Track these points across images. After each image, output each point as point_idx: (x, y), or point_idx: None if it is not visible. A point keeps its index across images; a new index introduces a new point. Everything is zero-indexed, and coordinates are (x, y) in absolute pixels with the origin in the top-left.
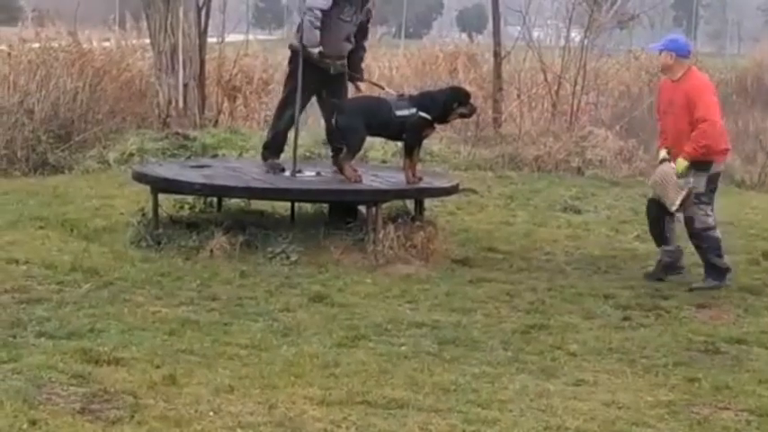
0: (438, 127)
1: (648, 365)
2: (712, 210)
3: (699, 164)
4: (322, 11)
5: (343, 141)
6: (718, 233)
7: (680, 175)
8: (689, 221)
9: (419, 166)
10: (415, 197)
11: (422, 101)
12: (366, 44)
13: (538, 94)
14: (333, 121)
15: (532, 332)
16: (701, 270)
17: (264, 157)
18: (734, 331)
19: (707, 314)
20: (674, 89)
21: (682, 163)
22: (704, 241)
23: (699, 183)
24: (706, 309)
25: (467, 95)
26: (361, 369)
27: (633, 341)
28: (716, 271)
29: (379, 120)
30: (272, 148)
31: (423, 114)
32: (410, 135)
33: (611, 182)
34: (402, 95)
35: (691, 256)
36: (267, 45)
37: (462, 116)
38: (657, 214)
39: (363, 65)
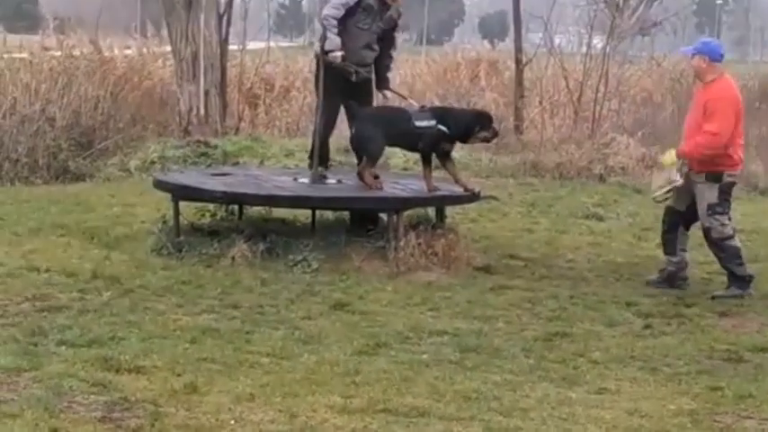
0: None
1: (671, 374)
2: (730, 219)
3: (710, 174)
4: (336, 18)
5: (361, 149)
6: (737, 242)
7: (665, 165)
8: (706, 232)
9: (435, 174)
10: (436, 204)
11: (443, 115)
12: (393, 53)
13: (559, 101)
14: (351, 128)
15: (554, 340)
16: (725, 278)
17: (309, 166)
18: (757, 339)
19: (730, 322)
20: (701, 93)
21: (671, 155)
22: (723, 250)
23: (711, 194)
24: (729, 317)
25: (489, 120)
26: (382, 377)
27: (656, 349)
28: (738, 280)
29: (398, 129)
30: (315, 156)
31: (441, 128)
32: (426, 145)
33: (633, 189)
34: (423, 107)
35: (713, 263)
36: (288, 52)
37: (485, 140)
38: (673, 222)
39: (390, 74)
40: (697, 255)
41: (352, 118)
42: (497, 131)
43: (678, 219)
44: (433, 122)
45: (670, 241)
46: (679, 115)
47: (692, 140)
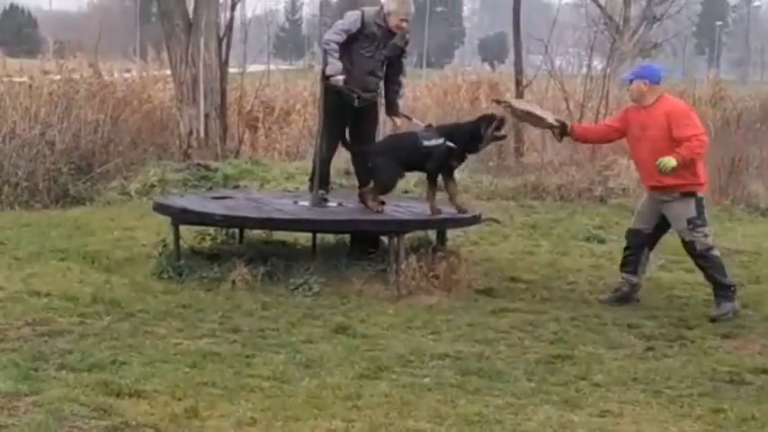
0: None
1: (673, 396)
2: (710, 230)
3: (684, 192)
4: (337, 43)
5: (376, 180)
6: (717, 252)
7: (664, 171)
8: (690, 246)
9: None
10: (437, 227)
11: (450, 131)
12: (402, 78)
13: None
14: (368, 164)
15: (556, 363)
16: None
17: (310, 188)
18: (759, 361)
19: (732, 344)
20: (646, 115)
21: (671, 160)
22: (708, 261)
23: (688, 208)
24: (731, 339)
25: (492, 116)
26: (383, 401)
27: (658, 371)
28: (724, 291)
29: (408, 153)
30: (316, 179)
31: (450, 144)
32: (433, 164)
33: (634, 211)
34: (429, 126)
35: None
36: (288, 75)
37: (496, 138)
38: (639, 244)
39: (401, 100)
40: (698, 276)
41: (363, 156)
42: (504, 119)
43: (644, 239)
44: (440, 140)
45: (633, 261)
46: None
47: (684, 146)
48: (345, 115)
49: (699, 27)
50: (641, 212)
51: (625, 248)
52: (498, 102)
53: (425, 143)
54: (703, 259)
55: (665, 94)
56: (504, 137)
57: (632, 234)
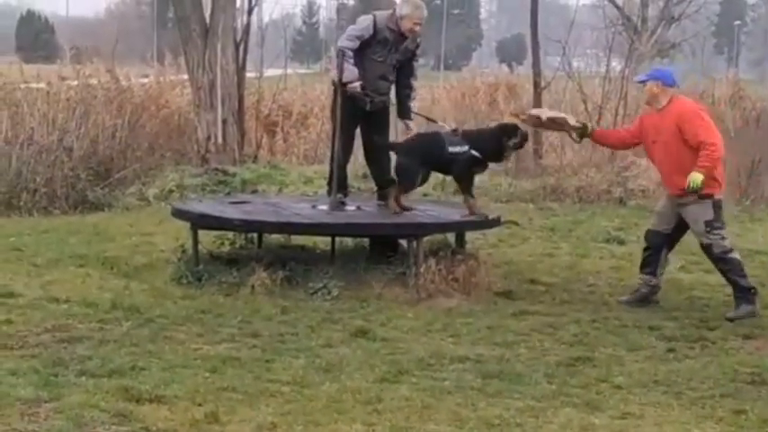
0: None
1: (695, 398)
2: (727, 233)
3: (702, 195)
4: (352, 50)
5: (399, 180)
6: (737, 255)
7: (693, 190)
8: (708, 249)
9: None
10: (455, 230)
11: (475, 139)
12: (414, 81)
13: None
14: (393, 162)
15: (577, 365)
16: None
17: (328, 192)
18: None
19: (753, 345)
20: (660, 118)
21: (698, 177)
22: (727, 263)
23: (706, 211)
24: (752, 339)
25: (515, 127)
26: (404, 404)
27: (679, 373)
28: (744, 293)
29: (434, 156)
30: (334, 183)
31: (474, 153)
32: (458, 170)
33: (653, 211)
34: (456, 131)
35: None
36: (305, 79)
37: (516, 147)
38: (658, 244)
39: (413, 103)
40: (719, 277)
41: (390, 151)
42: (526, 134)
43: (664, 240)
44: (465, 148)
45: (652, 262)
46: None
47: (703, 156)
48: (357, 119)
49: (717, 27)
50: (660, 213)
51: (644, 249)
52: (517, 116)
53: (450, 149)
54: (722, 262)
55: (679, 96)
56: (521, 147)
57: (651, 235)
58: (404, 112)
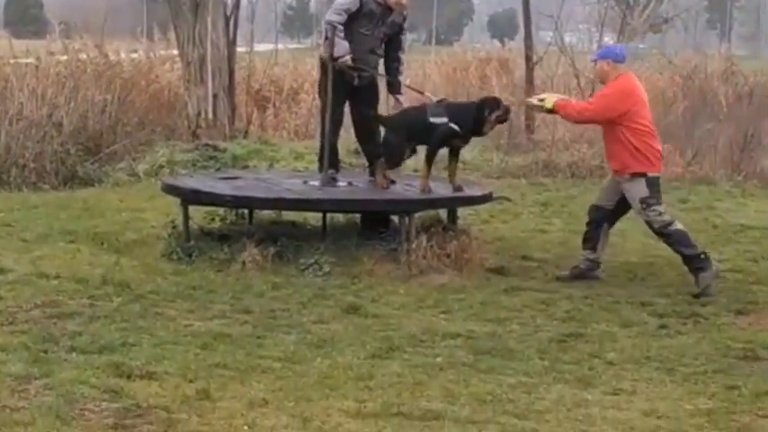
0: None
1: (687, 373)
2: (664, 207)
3: (633, 173)
4: (341, 24)
5: (385, 155)
6: (680, 225)
7: (539, 108)
8: (650, 226)
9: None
10: (447, 206)
11: (455, 111)
12: (401, 55)
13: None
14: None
15: (569, 341)
16: (739, 275)
17: (319, 168)
18: None
19: (745, 320)
20: None
21: (549, 101)
22: (670, 237)
23: (639, 189)
24: (744, 315)
25: (495, 99)
26: (395, 381)
27: (671, 349)
28: (695, 262)
29: (418, 128)
30: (325, 159)
31: (453, 126)
32: (433, 141)
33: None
34: (441, 101)
35: (728, 261)
36: (296, 54)
37: (500, 121)
38: (599, 220)
39: (401, 76)
40: (712, 253)
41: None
42: (509, 107)
43: (605, 216)
44: (444, 120)
45: (592, 238)
46: (691, 113)
47: (573, 104)
48: (346, 94)
49: (710, 1)
50: (605, 189)
51: (587, 224)
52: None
53: (431, 119)
54: (664, 236)
55: (627, 73)
56: (505, 120)
57: (594, 210)
58: (393, 87)
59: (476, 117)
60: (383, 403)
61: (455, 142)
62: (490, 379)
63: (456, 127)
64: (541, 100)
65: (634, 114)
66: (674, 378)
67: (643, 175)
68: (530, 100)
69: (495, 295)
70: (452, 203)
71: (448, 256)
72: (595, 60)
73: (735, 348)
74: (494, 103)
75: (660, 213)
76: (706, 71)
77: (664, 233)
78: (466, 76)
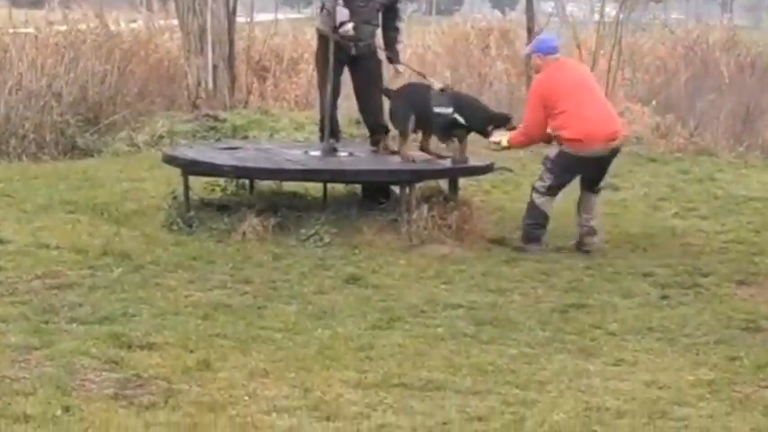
0: None
1: (689, 344)
2: (556, 183)
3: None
4: None
5: (395, 127)
6: (545, 206)
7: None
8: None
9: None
10: (448, 176)
11: (463, 105)
12: (400, 24)
13: None
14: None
15: (570, 312)
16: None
17: (320, 138)
18: None
19: (747, 291)
20: None
21: (504, 139)
22: (532, 201)
23: (553, 150)
24: (746, 286)
25: (506, 121)
26: (396, 351)
27: (673, 320)
28: (528, 231)
29: (419, 110)
30: (326, 129)
31: (458, 118)
32: (439, 132)
33: (648, 158)
34: (444, 89)
35: (729, 232)
36: (296, 24)
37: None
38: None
39: (399, 46)
40: (714, 224)
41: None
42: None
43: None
44: (450, 110)
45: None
46: (693, 83)
47: (515, 132)
48: (343, 65)
49: None
50: None
51: None
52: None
53: (435, 109)
54: (532, 192)
55: (554, 63)
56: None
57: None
58: (392, 57)
59: (482, 124)
60: (384, 374)
61: (457, 132)
62: (491, 349)
63: (461, 119)
64: (497, 143)
65: (552, 108)
66: (676, 349)
67: (561, 144)
68: (491, 140)
69: (496, 266)
70: (453, 174)
71: (449, 226)
72: (530, 55)
73: (736, 319)
74: (503, 122)
75: (548, 183)
76: (708, 42)
77: (533, 190)
78: (467, 47)
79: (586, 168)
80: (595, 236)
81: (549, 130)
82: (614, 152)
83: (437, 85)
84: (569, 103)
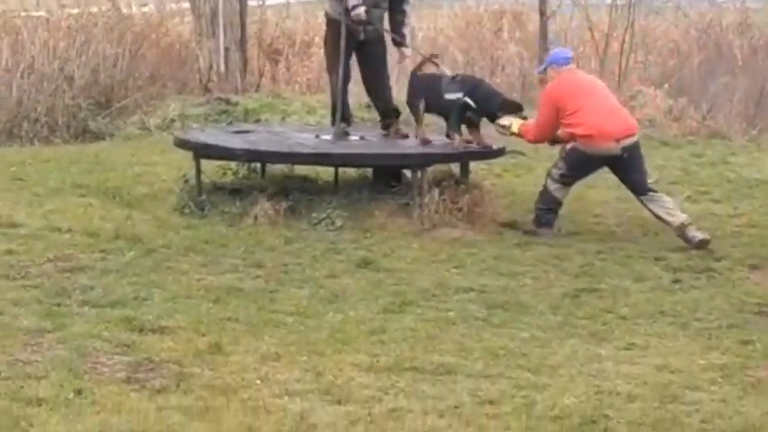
0: None
1: (701, 328)
2: (569, 172)
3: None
4: None
5: (411, 112)
6: (558, 193)
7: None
8: (551, 167)
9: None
10: (460, 160)
11: (473, 91)
12: (406, 7)
13: (585, 53)
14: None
15: (582, 296)
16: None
17: (332, 122)
18: None
19: (760, 275)
20: None
21: (514, 125)
22: (545, 186)
23: (571, 142)
24: (759, 270)
25: (518, 107)
26: (408, 335)
27: (685, 304)
28: (540, 217)
29: (433, 99)
30: (337, 113)
31: (468, 101)
32: (452, 118)
33: (660, 141)
34: (455, 77)
35: (743, 215)
36: (308, 7)
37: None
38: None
39: (407, 29)
40: (727, 208)
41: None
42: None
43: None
44: (460, 95)
45: None
46: (706, 66)
47: (526, 125)
48: (351, 49)
49: None
50: None
51: None
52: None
53: (447, 96)
54: (546, 178)
55: (567, 74)
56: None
57: None
58: (399, 40)
59: (493, 110)
60: (396, 357)
61: (472, 116)
62: (503, 333)
63: (471, 102)
64: (505, 127)
65: (564, 109)
66: (688, 333)
67: (576, 141)
68: (498, 122)
69: (508, 250)
70: (465, 157)
71: (460, 210)
72: (545, 70)
73: (749, 303)
74: (515, 109)
75: (562, 171)
76: (721, 24)
77: (548, 175)
78: (479, 30)
79: (599, 167)
80: (692, 228)
81: (559, 132)
82: (628, 151)
83: (448, 73)
84: (581, 101)
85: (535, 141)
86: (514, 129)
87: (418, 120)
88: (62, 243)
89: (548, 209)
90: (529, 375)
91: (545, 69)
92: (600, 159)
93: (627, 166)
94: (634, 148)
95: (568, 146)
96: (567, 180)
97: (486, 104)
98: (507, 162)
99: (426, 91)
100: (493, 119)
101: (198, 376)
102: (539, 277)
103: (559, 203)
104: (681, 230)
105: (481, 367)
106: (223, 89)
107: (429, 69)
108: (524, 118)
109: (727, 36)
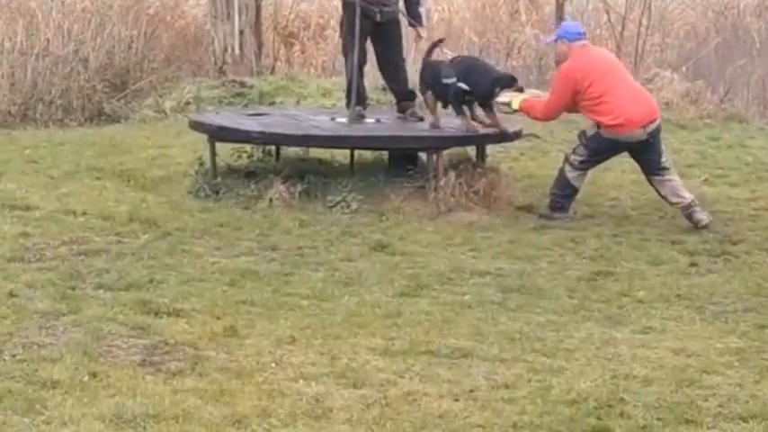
0: None
1: (717, 312)
2: (588, 158)
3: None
4: None
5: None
6: (576, 182)
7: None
8: (570, 153)
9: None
10: (476, 143)
11: (466, 72)
12: None
13: (601, 35)
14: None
15: (598, 279)
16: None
17: (347, 105)
18: None
19: None
20: None
21: (516, 100)
22: (562, 171)
23: (591, 128)
24: None
25: (511, 81)
26: (424, 319)
27: (701, 287)
28: (554, 203)
29: (437, 86)
30: (352, 96)
31: (462, 85)
32: (452, 100)
33: (677, 125)
34: (453, 60)
35: (760, 199)
36: None
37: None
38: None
39: (422, 9)
40: (744, 191)
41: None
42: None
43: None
44: (453, 80)
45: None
46: (723, 49)
47: (534, 103)
48: (367, 32)
49: None
50: None
51: None
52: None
53: (444, 80)
54: (563, 163)
55: (581, 49)
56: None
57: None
58: (414, 20)
59: (486, 87)
60: (411, 341)
61: (472, 99)
62: (519, 317)
63: (465, 86)
64: (506, 104)
65: (584, 93)
66: (704, 316)
67: (599, 127)
68: (498, 99)
69: (524, 233)
70: (481, 141)
71: (476, 193)
72: (555, 41)
73: (766, 287)
74: (509, 82)
75: (582, 158)
76: (738, 7)
77: (566, 161)
78: (496, 12)
79: (621, 152)
80: (697, 209)
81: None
82: (653, 135)
83: (450, 55)
84: (603, 86)
85: (544, 119)
86: (515, 105)
87: (431, 109)
88: (77, 226)
89: (563, 195)
90: (544, 359)
91: (555, 41)
92: (625, 146)
93: (648, 149)
94: (657, 131)
95: (589, 132)
96: (588, 166)
97: (479, 86)
98: (524, 145)
99: (431, 78)
100: (490, 97)
101: (213, 359)
102: (555, 261)
103: (575, 190)
104: (687, 211)
105: (497, 351)
106: (238, 72)
107: (438, 56)
108: (521, 90)
109: (745, 18)
